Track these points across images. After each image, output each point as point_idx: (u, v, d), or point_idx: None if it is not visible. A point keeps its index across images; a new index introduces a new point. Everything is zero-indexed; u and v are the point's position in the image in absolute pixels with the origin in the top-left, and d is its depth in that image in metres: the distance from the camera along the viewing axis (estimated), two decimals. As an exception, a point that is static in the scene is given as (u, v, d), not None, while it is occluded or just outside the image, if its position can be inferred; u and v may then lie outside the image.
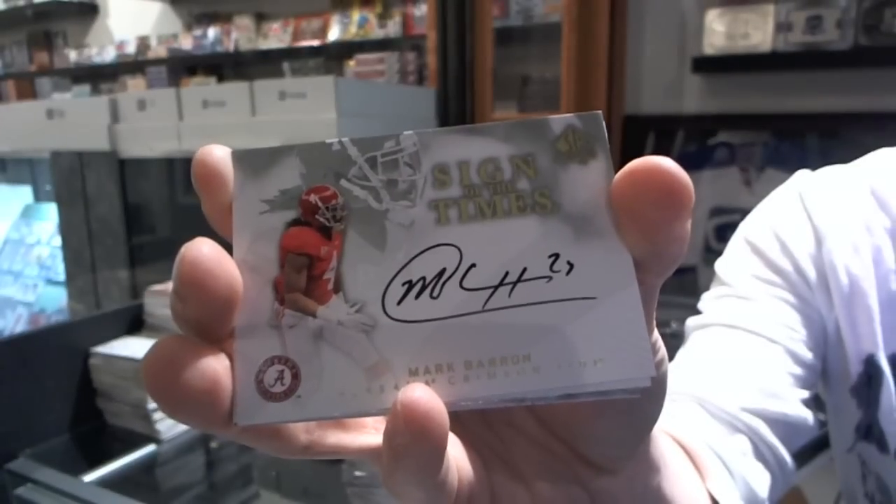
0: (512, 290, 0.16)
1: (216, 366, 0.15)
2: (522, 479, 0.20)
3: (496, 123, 0.17)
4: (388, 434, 0.15)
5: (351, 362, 0.16)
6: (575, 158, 0.17)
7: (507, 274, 0.16)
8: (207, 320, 0.15)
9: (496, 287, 0.16)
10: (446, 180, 0.17)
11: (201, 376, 0.15)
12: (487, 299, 0.16)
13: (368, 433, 0.18)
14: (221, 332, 0.16)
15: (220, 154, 0.17)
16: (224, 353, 0.15)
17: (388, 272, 0.16)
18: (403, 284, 0.16)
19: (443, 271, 0.16)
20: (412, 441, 0.15)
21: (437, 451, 0.15)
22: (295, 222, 0.16)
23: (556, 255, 0.16)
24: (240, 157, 0.17)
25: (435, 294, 0.16)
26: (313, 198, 0.16)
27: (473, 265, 0.16)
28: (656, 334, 0.18)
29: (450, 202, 0.16)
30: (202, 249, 0.15)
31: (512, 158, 0.17)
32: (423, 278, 0.16)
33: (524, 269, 0.16)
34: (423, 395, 0.15)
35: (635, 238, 0.16)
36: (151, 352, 0.15)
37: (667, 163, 0.15)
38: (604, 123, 0.17)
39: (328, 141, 0.17)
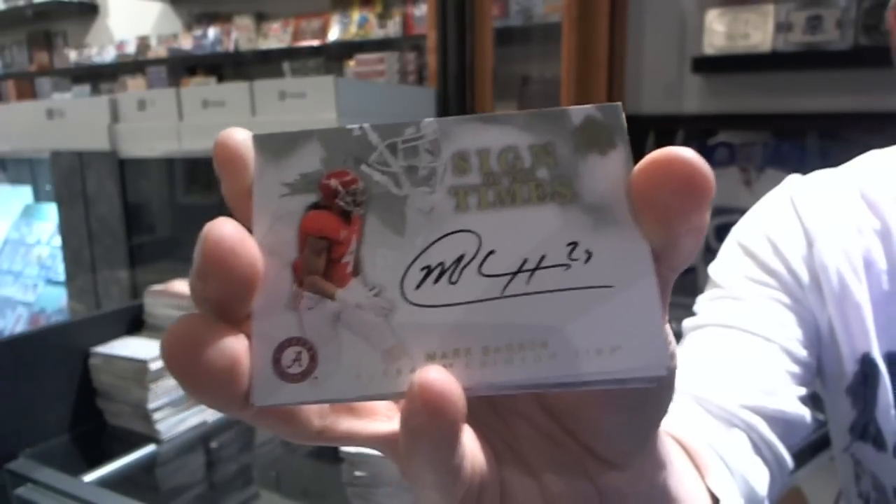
0: (530, 277, 0.16)
1: (236, 345, 0.15)
2: (532, 471, 0.20)
3: (516, 113, 0.17)
4: (405, 415, 0.15)
5: (368, 345, 0.16)
6: (594, 149, 0.17)
7: (525, 261, 0.16)
8: (228, 300, 0.15)
9: (515, 274, 0.16)
10: (466, 167, 0.17)
11: (221, 355, 0.15)
12: (506, 286, 0.16)
13: (381, 420, 0.18)
14: (240, 313, 0.16)
15: (241, 137, 0.17)
16: (243, 334, 0.16)
17: (407, 257, 0.16)
18: (422, 269, 0.16)
19: (461, 257, 0.16)
20: (428, 422, 0.15)
21: (453, 432, 0.15)
22: (315, 206, 0.16)
23: (575, 244, 0.16)
24: (261, 141, 0.17)
25: (454, 279, 0.16)
26: (333, 182, 0.16)
27: (492, 252, 0.16)
28: (668, 328, 0.18)
29: (469, 189, 0.16)
30: (225, 228, 0.15)
31: (531, 147, 0.17)
32: (442, 264, 0.16)
33: (543, 257, 0.16)
34: (440, 377, 0.15)
35: (654, 228, 0.16)
36: (172, 330, 0.15)
37: (687, 153, 0.16)
38: (623, 115, 0.17)
39: (349, 126, 0.17)
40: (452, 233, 0.16)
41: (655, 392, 0.18)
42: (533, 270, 0.16)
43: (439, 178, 0.17)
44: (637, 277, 0.16)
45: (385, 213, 0.16)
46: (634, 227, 0.16)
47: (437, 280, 0.16)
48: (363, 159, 0.17)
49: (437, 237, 0.16)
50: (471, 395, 0.16)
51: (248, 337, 0.16)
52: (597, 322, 0.16)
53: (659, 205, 0.16)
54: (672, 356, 0.18)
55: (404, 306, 0.16)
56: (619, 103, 0.17)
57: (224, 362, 0.15)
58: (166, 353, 0.15)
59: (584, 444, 0.20)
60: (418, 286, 0.16)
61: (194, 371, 0.15)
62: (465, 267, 0.16)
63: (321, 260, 0.16)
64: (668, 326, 0.18)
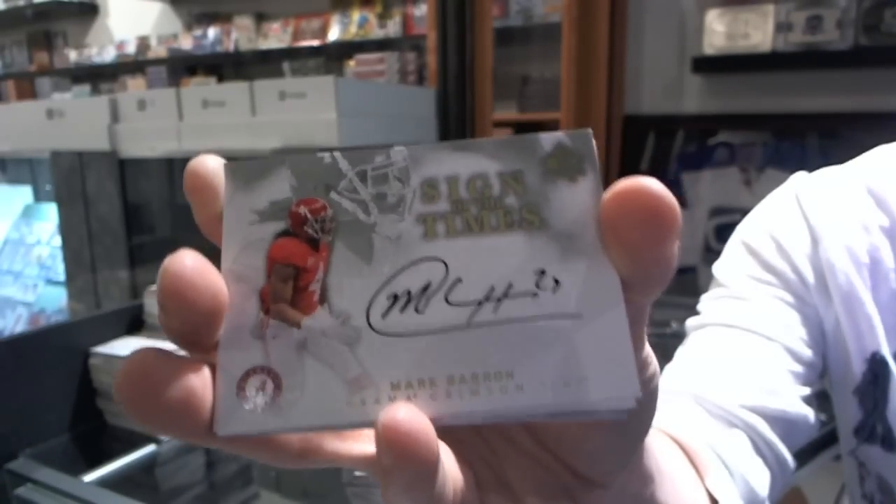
0: (497, 305, 0.16)
1: (190, 377, 0.15)
2: (514, 493, 0.20)
3: (486, 140, 0.17)
4: (377, 454, 0.15)
5: (333, 374, 0.16)
6: (564, 176, 0.17)
7: (492, 289, 0.16)
8: (192, 331, 0.15)
9: (481, 302, 0.16)
10: (435, 195, 0.17)
11: (174, 389, 0.15)
12: (472, 315, 0.16)
13: (363, 442, 0.18)
14: (208, 342, 0.16)
15: (212, 165, 0.17)
16: (202, 364, 0.15)
17: (373, 285, 0.16)
18: (389, 298, 0.16)
19: (428, 285, 0.16)
20: (398, 462, 0.14)
21: (427, 469, 0.15)
22: (284, 233, 0.16)
23: (543, 272, 0.16)
24: (232, 169, 0.17)
25: (420, 308, 0.16)
26: (303, 209, 0.16)
27: (459, 280, 0.16)
28: (647, 350, 0.18)
29: (438, 216, 0.16)
30: (185, 262, 0.15)
31: (501, 175, 0.17)
32: (409, 292, 0.16)
33: (510, 285, 0.16)
34: (406, 416, 0.15)
35: (621, 258, 0.16)
36: (123, 368, 0.15)
37: (653, 184, 0.15)
38: (594, 142, 0.17)
39: (319, 154, 0.17)
40: (420, 260, 0.16)
41: (635, 415, 0.18)
42: (500, 299, 0.16)
43: (408, 206, 0.17)
44: (606, 307, 0.16)
45: (353, 241, 0.16)
46: (603, 256, 0.16)
47: (403, 308, 0.16)
48: (333, 186, 0.17)
49: (404, 265, 0.16)
50: (436, 426, 0.15)
51: (215, 365, 0.16)
52: (564, 352, 0.16)
53: (626, 236, 0.16)
54: (651, 378, 0.18)
55: (370, 335, 0.16)
56: (590, 130, 0.17)
57: (178, 395, 0.15)
58: (119, 392, 0.15)
59: (566, 463, 0.20)
60: (384, 315, 0.16)
61: (148, 407, 0.15)
62: (432, 295, 0.16)
63: (288, 287, 0.16)
64: (646, 349, 0.18)
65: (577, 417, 0.16)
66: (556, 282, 0.16)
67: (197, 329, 0.15)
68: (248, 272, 0.16)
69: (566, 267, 0.16)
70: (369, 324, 0.16)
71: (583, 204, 0.16)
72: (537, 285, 0.16)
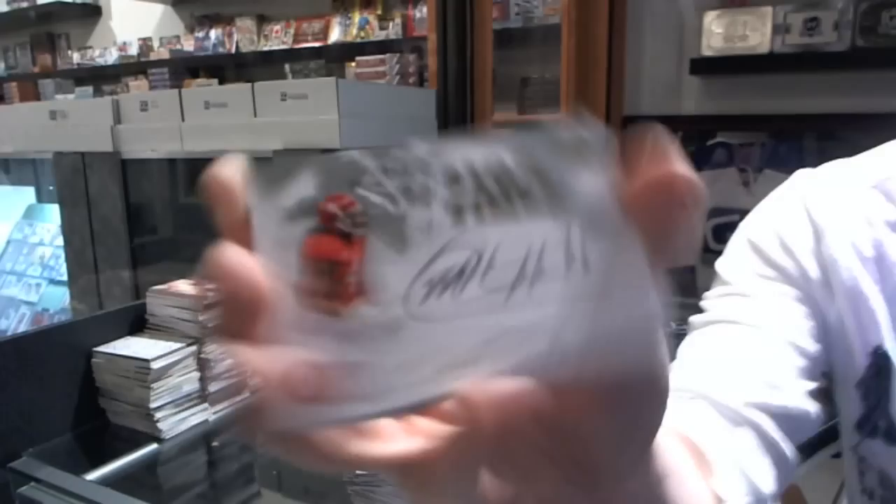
0: (531, 286, 0.16)
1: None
2: (531, 483, 0.21)
3: (503, 131, 0.18)
4: (466, 422, 0.16)
5: (377, 363, 0.16)
6: (581, 163, 0.17)
7: (525, 271, 0.17)
8: (235, 326, 0.16)
9: (515, 284, 0.17)
10: (458, 184, 0.17)
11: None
12: (508, 296, 0.16)
13: (387, 441, 0.18)
14: (251, 337, 0.16)
15: (232, 169, 0.17)
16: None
17: (410, 273, 0.16)
18: (425, 285, 0.16)
19: (463, 271, 0.17)
20: (491, 416, 0.15)
21: (522, 415, 0.16)
22: (316, 230, 0.17)
23: (571, 253, 0.17)
24: (255, 170, 0.17)
25: (456, 293, 0.16)
26: (332, 206, 0.17)
27: (493, 264, 0.17)
28: None
29: (464, 204, 0.17)
30: (224, 256, 0.15)
31: (520, 163, 0.17)
32: (445, 278, 0.16)
33: (541, 266, 0.17)
34: (476, 388, 0.15)
35: (648, 235, 0.17)
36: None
37: (678, 166, 0.16)
38: (606, 130, 0.17)
39: (339, 153, 0.17)
40: (452, 246, 0.17)
41: (648, 407, 0.18)
42: (533, 280, 0.16)
43: (434, 195, 0.17)
44: (635, 281, 0.16)
45: (385, 233, 0.17)
46: (628, 233, 0.17)
47: (440, 294, 0.16)
48: (357, 182, 0.17)
49: (438, 252, 0.17)
50: (485, 405, 0.16)
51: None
52: (598, 325, 0.16)
53: (649, 214, 0.16)
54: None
55: (410, 322, 0.16)
56: (602, 122, 0.18)
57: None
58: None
59: (578, 462, 0.20)
60: (423, 301, 0.16)
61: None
62: (467, 280, 0.16)
63: (325, 282, 0.16)
64: None
65: (611, 376, 0.16)
66: (585, 260, 0.17)
67: (240, 324, 0.16)
68: (283, 270, 0.16)
69: (593, 247, 0.17)
70: (409, 311, 0.16)
71: (602, 187, 0.17)
72: (567, 265, 0.17)
